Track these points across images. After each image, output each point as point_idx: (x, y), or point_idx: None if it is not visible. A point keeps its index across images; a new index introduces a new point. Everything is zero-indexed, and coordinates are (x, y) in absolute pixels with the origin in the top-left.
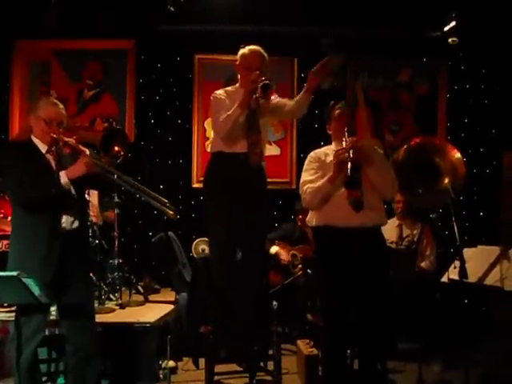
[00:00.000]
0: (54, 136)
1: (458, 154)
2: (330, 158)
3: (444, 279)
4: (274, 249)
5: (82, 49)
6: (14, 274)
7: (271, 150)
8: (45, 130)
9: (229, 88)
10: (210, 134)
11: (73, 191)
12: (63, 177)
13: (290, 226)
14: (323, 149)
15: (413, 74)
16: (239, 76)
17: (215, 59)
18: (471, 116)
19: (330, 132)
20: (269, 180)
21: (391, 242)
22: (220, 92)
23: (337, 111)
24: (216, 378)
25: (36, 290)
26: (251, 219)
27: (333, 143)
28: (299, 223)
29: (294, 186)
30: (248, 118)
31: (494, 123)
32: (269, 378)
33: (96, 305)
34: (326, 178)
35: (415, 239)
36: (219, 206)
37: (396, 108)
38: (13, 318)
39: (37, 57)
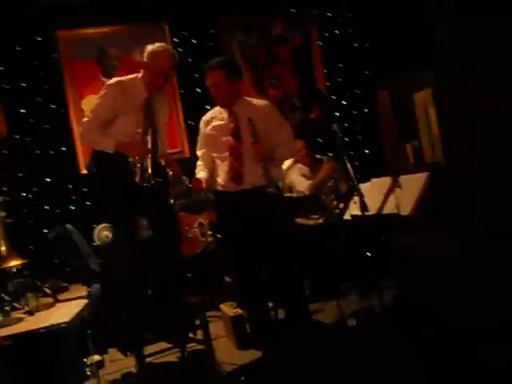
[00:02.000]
0: None
1: None
2: (216, 122)
3: (347, 217)
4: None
5: None
6: None
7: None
8: None
9: (128, 78)
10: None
11: None
12: None
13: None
14: (211, 112)
15: (286, 26)
16: (143, 71)
17: (79, 34)
18: (345, 60)
19: None
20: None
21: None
22: (114, 81)
23: (207, 76)
24: (148, 359)
25: None
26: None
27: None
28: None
29: (187, 155)
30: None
31: (366, 65)
32: (200, 346)
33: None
34: None
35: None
36: (115, 191)
37: (274, 62)
38: None
39: None
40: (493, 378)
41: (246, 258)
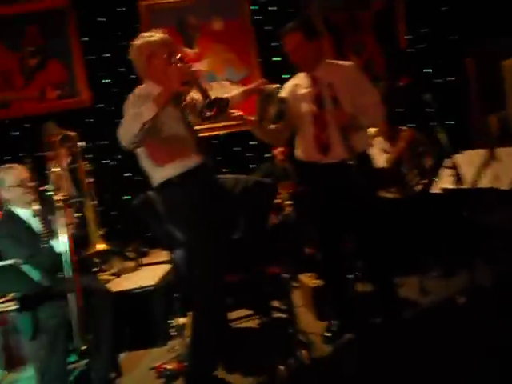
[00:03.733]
0: None
1: None
2: (299, 91)
3: (436, 190)
4: None
5: (16, 14)
6: (10, 262)
7: (236, 90)
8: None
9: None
10: None
11: None
12: None
13: (267, 165)
14: (293, 79)
15: None
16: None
17: (161, 3)
18: (430, 26)
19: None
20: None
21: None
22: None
23: (285, 41)
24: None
25: (35, 275)
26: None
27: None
28: (279, 157)
29: None
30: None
31: (454, 31)
32: (280, 315)
33: None
34: None
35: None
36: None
37: (356, 28)
38: (10, 308)
39: None
40: None
41: (329, 230)
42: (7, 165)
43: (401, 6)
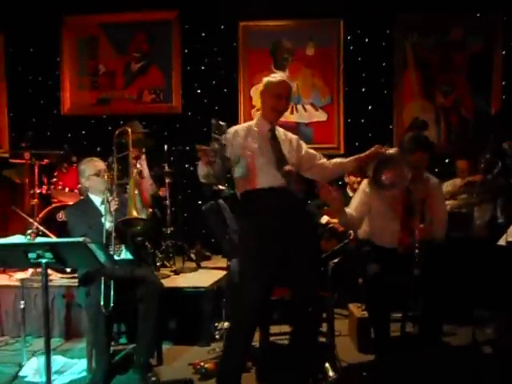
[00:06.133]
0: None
1: None
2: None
3: (501, 242)
4: (324, 219)
5: (127, 21)
6: (80, 239)
7: (318, 116)
8: (99, 180)
9: (245, 125)
10: (257, 102)
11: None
12: None
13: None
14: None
15: (465, 31)
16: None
17: (259, 25)
18: None
19: None
20: (316, 146)
21: None
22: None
23: None
24: (270, 338)
25: (101, 256)
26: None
27: None
28: (354, 186)
29: (342, 151)
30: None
31: None
32: (322, 339)
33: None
34: None
35: None
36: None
37: (448, 68)
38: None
39: (84, 31)
40: None
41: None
42: (88, 158)
43: (499, 51)
